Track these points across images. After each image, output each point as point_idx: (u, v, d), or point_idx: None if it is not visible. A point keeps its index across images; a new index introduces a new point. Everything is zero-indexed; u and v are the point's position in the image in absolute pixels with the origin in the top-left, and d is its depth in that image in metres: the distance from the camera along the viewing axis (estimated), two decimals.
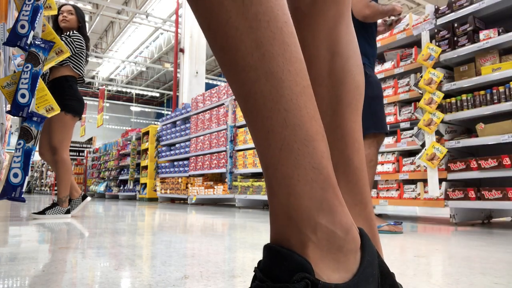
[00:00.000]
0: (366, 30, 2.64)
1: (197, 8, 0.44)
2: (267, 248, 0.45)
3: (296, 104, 0.43)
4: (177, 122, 7.99)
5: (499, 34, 3.05)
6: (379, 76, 3.82)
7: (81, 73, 3.76)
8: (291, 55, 0.44)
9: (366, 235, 0.50)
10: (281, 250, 0.43)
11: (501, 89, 2.99)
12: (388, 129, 3.13)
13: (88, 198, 3.77)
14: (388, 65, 3.89)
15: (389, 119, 3.76)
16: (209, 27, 0.44)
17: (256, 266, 0.47)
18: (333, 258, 0.45)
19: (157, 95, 28.46)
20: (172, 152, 7.87)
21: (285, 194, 0.44)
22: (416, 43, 3.76)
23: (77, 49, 3.69)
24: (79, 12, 3.85)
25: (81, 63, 3.75)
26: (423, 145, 3.40)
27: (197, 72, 9.80)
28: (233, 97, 5.93)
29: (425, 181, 3.38)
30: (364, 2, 2.51)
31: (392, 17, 2.78)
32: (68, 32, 3.72)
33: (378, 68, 3.92)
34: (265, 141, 0.44)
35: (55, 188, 3.73)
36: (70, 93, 3.59)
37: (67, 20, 3.75)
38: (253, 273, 1.22)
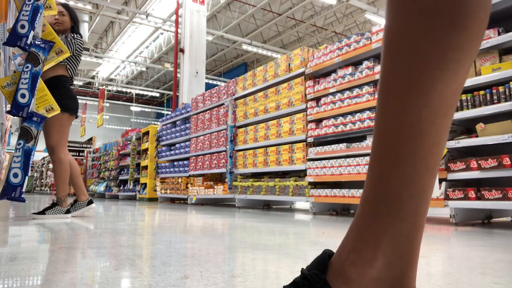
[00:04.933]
0: None
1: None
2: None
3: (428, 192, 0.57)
4: (177, 122, 7.99)
5: (499, 34, 3.05)
6: (379, 76, 3.81)
7: (73, 74, 3.74)
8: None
9: None
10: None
11: (501, 89, 2.98)
12: None
13: (93, 205, 3.72)
14: None
15: None
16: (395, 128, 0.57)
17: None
18: None
19: (157, 95, 28.46)
20: (172, 152, 7.87)
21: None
22: None
23: (76, 51, 3.68)
24: (70, 11, 3.78)
25: (76, 65, 3.75)
26: None
27: (197, 72, 9.80)
28: (233, 97, 5.95)
29: None
30: None
31: None
32: (73, 34, 3.70)
33: (378, 68, 3.92)
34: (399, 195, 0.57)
35: (55, 188, 3.71)
36: (63, 92, 3.57)
37: (60, 23, 3.69)
38: (253, 274, 1.22)
